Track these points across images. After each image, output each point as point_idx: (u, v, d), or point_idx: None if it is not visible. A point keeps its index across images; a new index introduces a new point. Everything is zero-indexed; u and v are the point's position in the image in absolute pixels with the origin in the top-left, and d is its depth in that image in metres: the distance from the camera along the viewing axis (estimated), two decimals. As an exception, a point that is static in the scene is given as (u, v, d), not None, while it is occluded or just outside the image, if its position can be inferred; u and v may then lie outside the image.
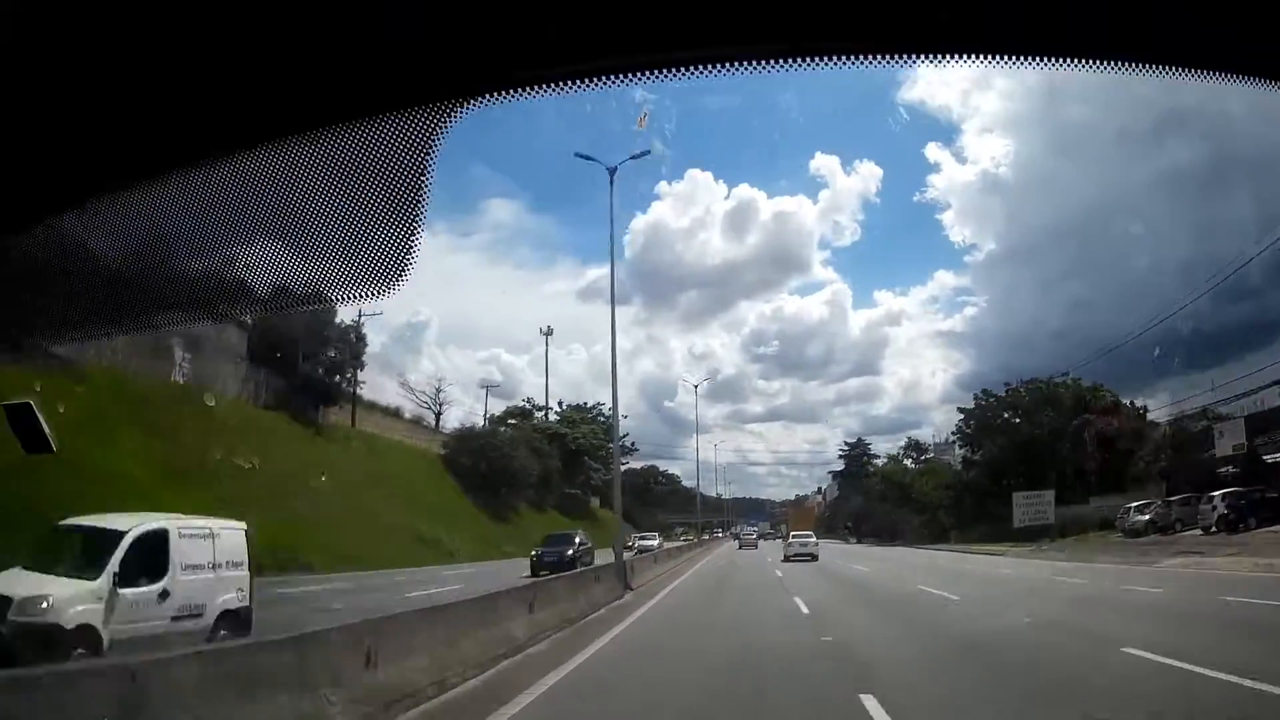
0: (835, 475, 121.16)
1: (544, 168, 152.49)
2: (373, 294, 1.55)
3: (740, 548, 73.33)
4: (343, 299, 1.62)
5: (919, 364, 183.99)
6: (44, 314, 1.73)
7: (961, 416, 72.12)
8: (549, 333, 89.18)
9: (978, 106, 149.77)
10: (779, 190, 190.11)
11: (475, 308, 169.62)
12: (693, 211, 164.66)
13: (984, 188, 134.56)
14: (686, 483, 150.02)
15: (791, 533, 52.99)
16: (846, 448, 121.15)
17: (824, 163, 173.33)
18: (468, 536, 48.59)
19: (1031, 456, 58.24)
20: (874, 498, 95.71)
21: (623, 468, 43.45)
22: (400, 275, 1.52)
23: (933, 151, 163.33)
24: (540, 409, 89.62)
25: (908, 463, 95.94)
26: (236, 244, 1.65)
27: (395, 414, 65.84)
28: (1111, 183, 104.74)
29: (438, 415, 73.33)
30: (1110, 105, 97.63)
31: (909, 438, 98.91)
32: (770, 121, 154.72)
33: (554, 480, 75.49)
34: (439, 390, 75.03)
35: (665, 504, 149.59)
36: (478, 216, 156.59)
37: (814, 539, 47.33)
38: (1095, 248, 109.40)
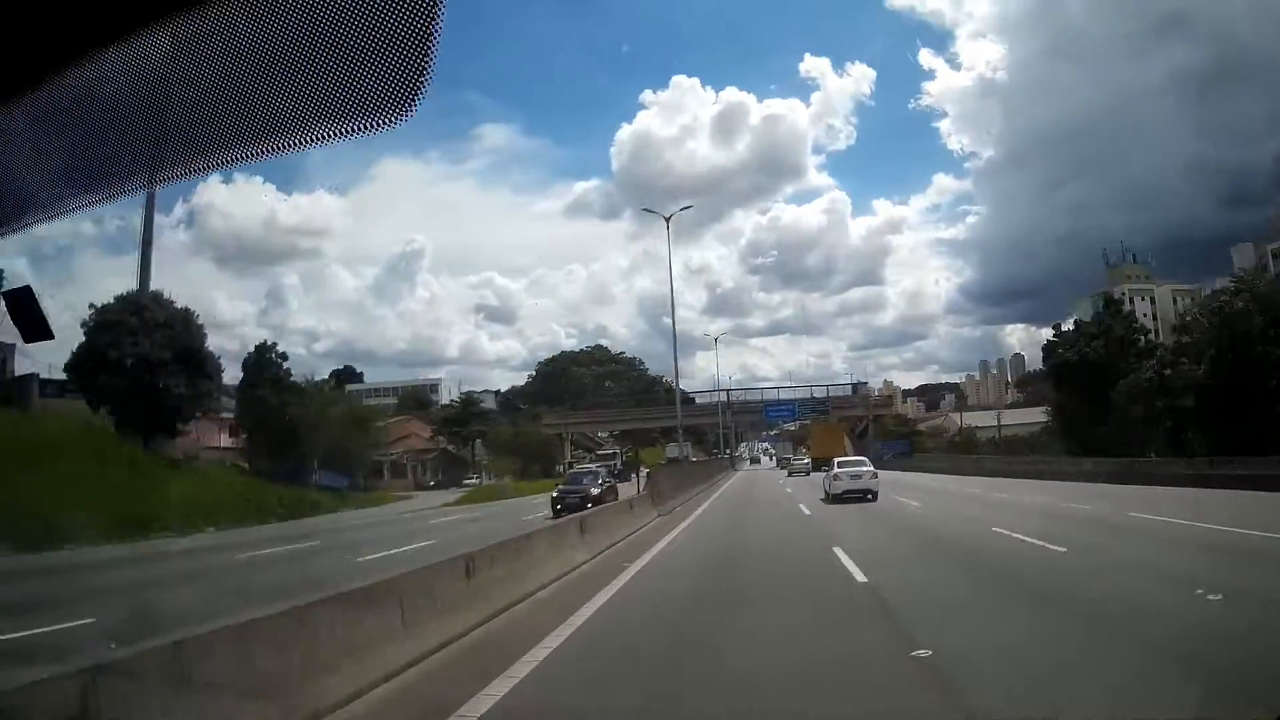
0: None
1: (539, 89, 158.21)
2: (383, 122, 1.47)
3: (790, 475, 60.24)
4: (350, 130, 1.52)
5: (922, 273, 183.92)
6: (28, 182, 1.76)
7: None
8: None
9: (970, 11, 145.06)
10: (769, 94, 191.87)
11: (469, 234, 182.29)
12: (680, 119, 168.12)
13: (981, 93, 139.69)
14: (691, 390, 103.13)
15: (837, 460, 34.50)
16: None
17: (814, 65, 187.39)
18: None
19: None
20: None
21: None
22: (414, 97, 1.44)
23: (926, 58, 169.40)
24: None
25: None
26: (235, 85, 1.57)
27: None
28: (1109, 85, 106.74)
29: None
30: (1106, 6, 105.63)
31: None
32: (756, 20, 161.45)
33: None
34: None
35: (589, 394, 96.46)
36: (471, 143, 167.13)
37: (868, 466, 32.09)
38: (1095, 152, 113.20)
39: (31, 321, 2.26)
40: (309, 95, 1.50)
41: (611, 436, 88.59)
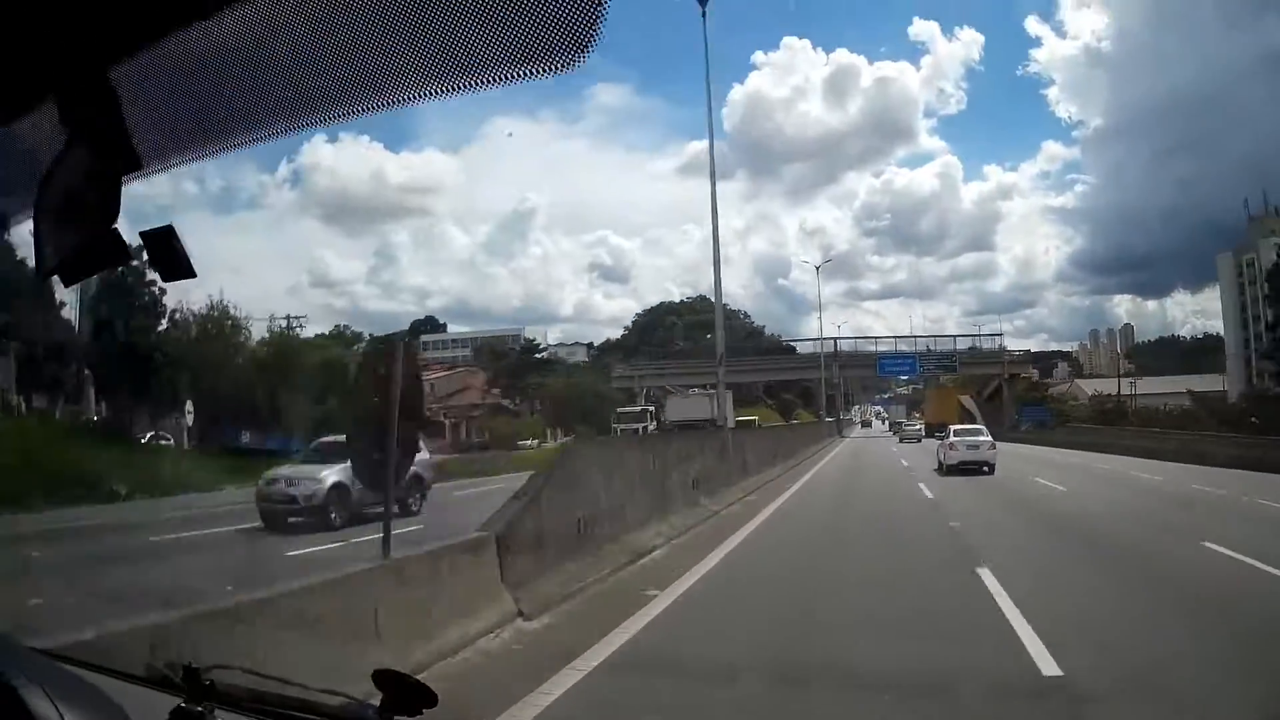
0: None
1: (651, 48, 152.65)
2: (556, 66, 1.42)
3: (901, 441, 56.26)
4: (520, 75, 1.46)
5: (1032, 240, 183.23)
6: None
7: None
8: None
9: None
10: (879, 56, 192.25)
11: (582, 192, 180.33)
12: (792, 80, 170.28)
13: (1088, 62, 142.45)
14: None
15: (953, 428, 32.19)
16: None
17: (923, 28, 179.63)
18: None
19: None
20: None
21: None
22: (591, 37, 1.38)
23: (1033, 25, 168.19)
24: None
25: None
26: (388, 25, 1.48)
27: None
28: (1215, 57, 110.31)
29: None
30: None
31: None
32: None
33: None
34: None
35: (684, 345, 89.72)
36: (584, 102, 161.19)
37: (986, 436, 30.01)
38: (1202, 124, 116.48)
39: (171, 260, 1.92)
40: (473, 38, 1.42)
41: (703, 390, 79.02)
